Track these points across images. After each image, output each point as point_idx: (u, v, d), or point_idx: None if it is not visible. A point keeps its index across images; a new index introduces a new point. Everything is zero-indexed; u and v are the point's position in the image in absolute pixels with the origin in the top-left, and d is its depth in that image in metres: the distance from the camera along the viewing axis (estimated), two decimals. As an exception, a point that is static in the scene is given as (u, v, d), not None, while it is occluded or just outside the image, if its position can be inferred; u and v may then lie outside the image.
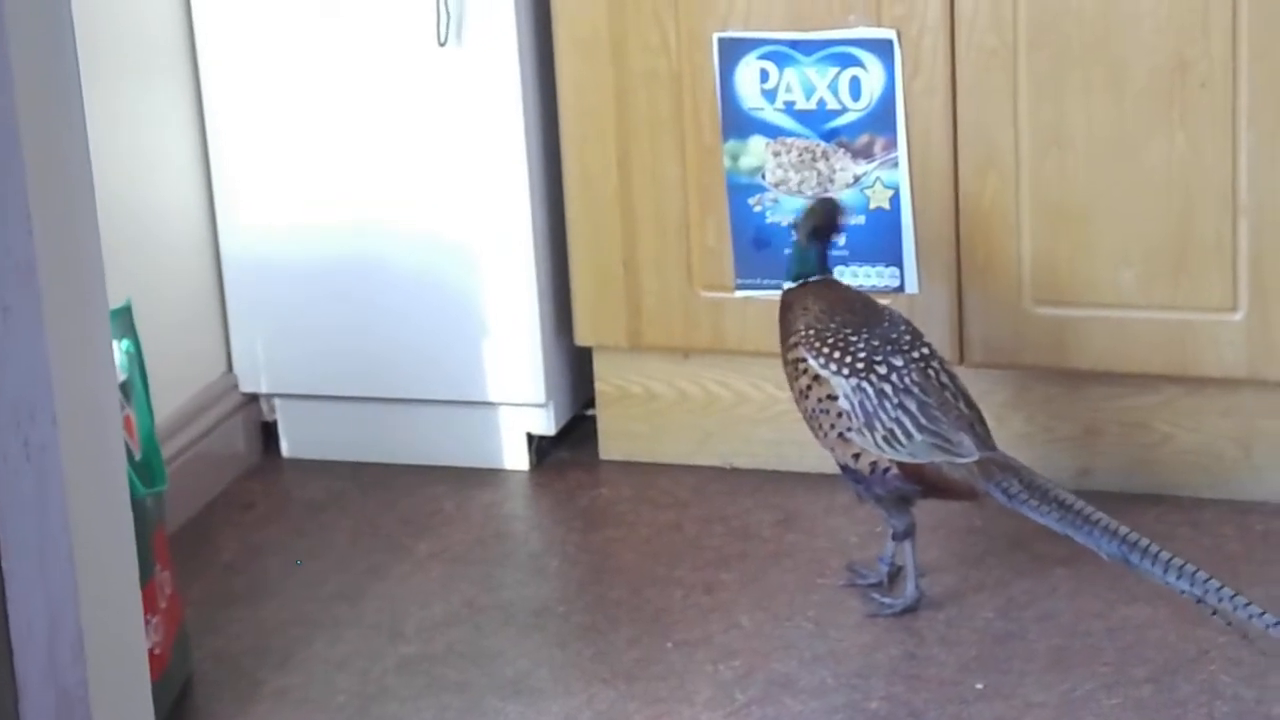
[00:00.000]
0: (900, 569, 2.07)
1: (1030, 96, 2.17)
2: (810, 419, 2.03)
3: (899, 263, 2.25)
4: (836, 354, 1.99)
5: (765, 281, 2.26)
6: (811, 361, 2.00)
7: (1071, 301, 2.22)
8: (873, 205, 2.24)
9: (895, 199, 2.23)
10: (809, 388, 2.01)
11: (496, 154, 2.34)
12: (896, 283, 2.25)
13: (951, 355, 2.22)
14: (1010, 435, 2.23)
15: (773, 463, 2.37)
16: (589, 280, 2.37)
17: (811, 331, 2.01)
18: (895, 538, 2.05)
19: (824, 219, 2.08)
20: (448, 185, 2.36)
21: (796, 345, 2.02)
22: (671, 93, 2.28)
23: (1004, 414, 2.26)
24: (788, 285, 2.07)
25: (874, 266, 2.26)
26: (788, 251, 2.12)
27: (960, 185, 2.22)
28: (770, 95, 2.23)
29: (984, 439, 1.99)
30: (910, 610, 2.04)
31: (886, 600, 2.06)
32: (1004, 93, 2.18)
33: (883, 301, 2.14)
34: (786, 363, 2.05)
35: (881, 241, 2.25)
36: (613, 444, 2.45)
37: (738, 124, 2.26)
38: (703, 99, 2.27)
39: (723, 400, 2.39)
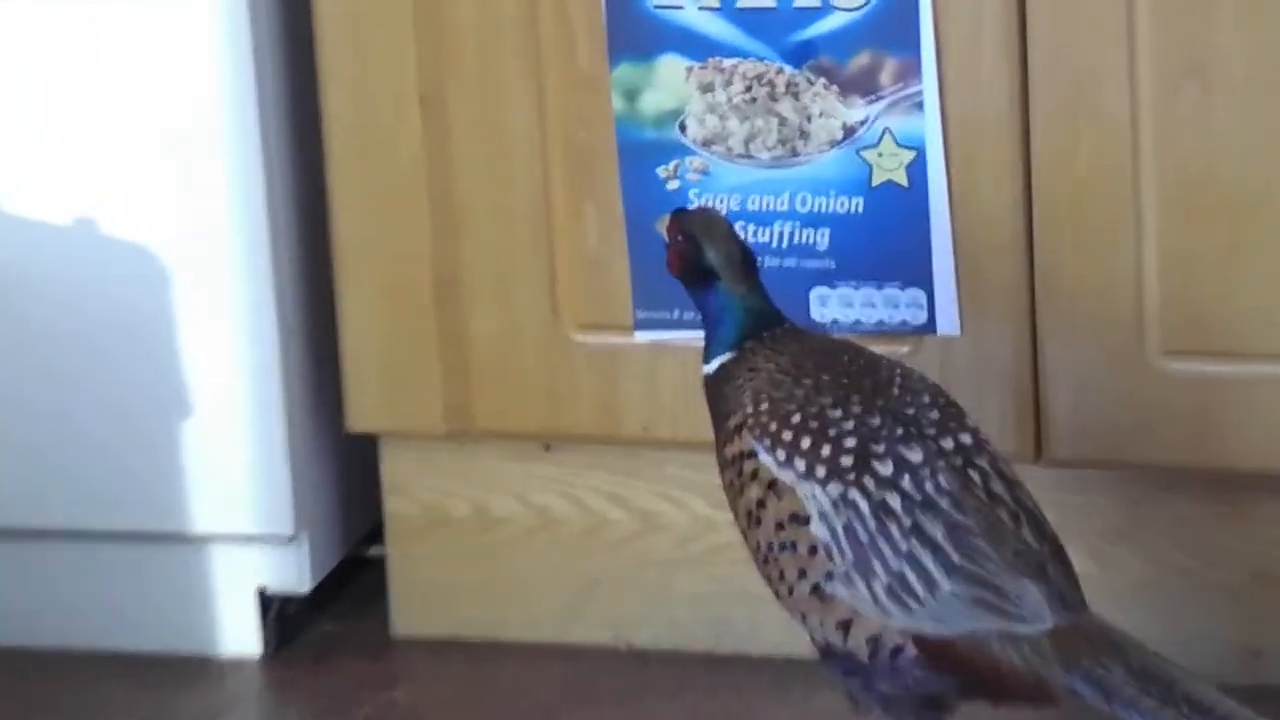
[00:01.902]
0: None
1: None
2: (764, 560, 1.81)
3: (925, 283, 2.03)
4: (806, 441, 1.78)
5: (684, 316, 2.05)
6: (764, 456, 1.78)
7: (1228, 352, 1.99)
8: (878, 179, 2.01)
9: (919, 168, 2.02)
10: (761, 504, 1.79)
11: (202, 91, 2.12)
12: (921, 317, 2.01)
13: (1018, 446, 1.99)
14: (1120, 585, 2.03)
15: (703, 639, 2.16)
16: (371, 318, 2.15)
17: (765, 404, 1.80)
18: None
19: (733, 237, 1.90)
20: (114, 155, 2.14)
21: (741, 430, 1.80)
22: None
23: (1108, 549, 2.05)
24: (723, 359, 1.89)
25: (881, 289, 2.00)
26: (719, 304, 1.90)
27: (1033, 147, 1.98)
28: None
29: (1065, 594, 1.76)
30: None
31: None
32: None
33: (896, 351, 1.91)
34: (726, 464, 1.83)
35: (894, 245, 2.03)
36: (416, 609, 2.23)
37: (636, 33, 2.04)
38: None
39: (615, 527, 2.19)
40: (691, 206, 2.00)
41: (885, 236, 2.02)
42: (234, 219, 2.16)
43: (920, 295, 1.99)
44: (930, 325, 1.99)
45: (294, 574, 2.22)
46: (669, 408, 2.09)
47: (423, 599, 2.23)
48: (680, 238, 1.89)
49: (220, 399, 2.18)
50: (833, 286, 1.99)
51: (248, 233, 2.16)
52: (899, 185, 2.00)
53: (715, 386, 1.86)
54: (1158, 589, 2.08)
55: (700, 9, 1.97)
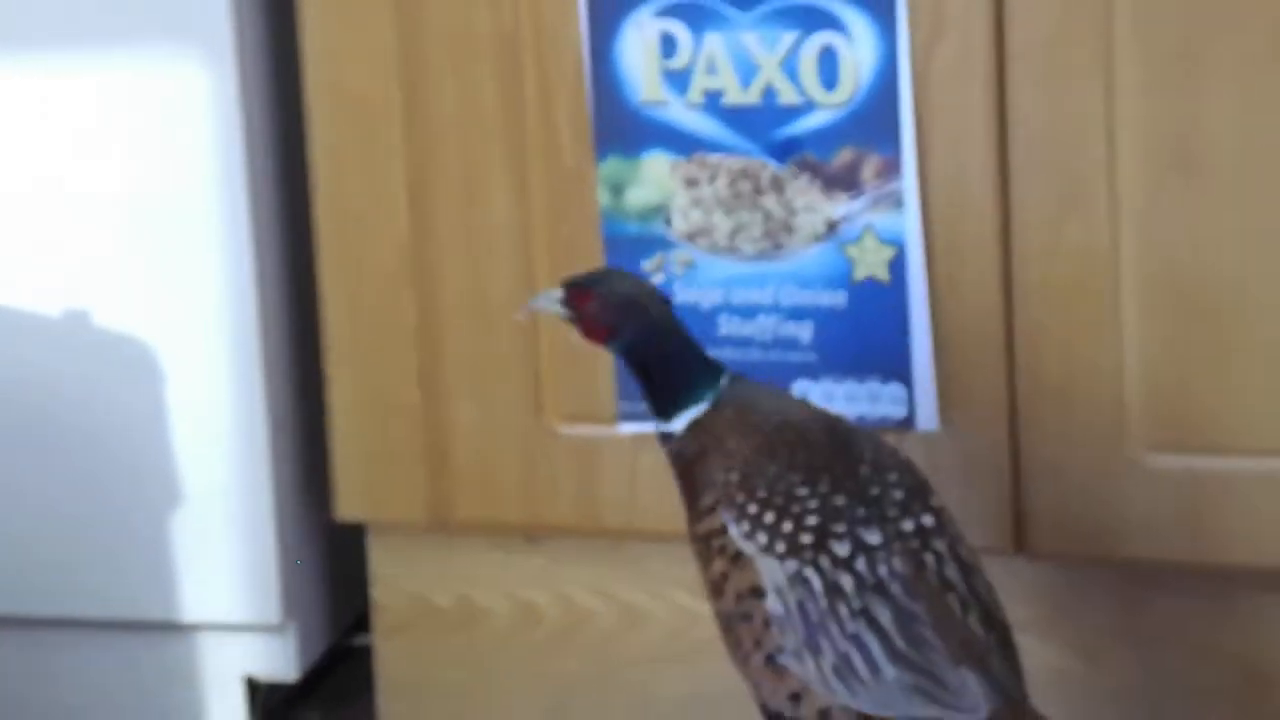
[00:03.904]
0: None
1: (1137, 84, 1.94)
2: (724, 629, 1.85)
3: (905, 378, 2.02)
4: (770, 516, 1.83)
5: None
6: (731, 529, 1.82)
7: (1214, 447, 1.99)
8: (860, 275, 2.01)
9: (900, 264, 2.01)
10: (725, 576, 1.83)
11: (192, 184, 2.15)
12: (901, 412, 2.01)
13: (999, 538, 2.01)
14: (1109, 684, 2.02)
15: None
16: (358, 410, 2.17)
17: (736, 477, 1.84)
18: None
19: (646, 287, 1.91)
20: (105, 240, 2.17)
21: (715, 506, 1.84)
22: (505, 74, 2.07)
23: (1096, 647, 2.04)
24: (678, 424, 1.89)
25: (862, 383, 2.01)
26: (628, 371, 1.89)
27: (1014, 243, 1.99)
28: (680, 80, 2.03)
29: (1005, 684, 1.79)
30: None
31: None
32: (1091, 77, 1.95)
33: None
34: (696, 538, 1.86)
35: (875, 339, 2.03)
36: (401, 700, 2.22)
37: (622, 129, 2.06)
38: (560, 86, 2.06)
39: (599, 621, 2.18)
40: (586, 275, 1.96)
41: (866, 331, 2.02)
42: (225, 314, 2.21)
43: (900, 390, 2.01)
44: (910, 420, 1.99)
45: (281, 662, 2.24)
46: (651, 500, 2.10)
47: (409, 692, 2.25)
48: (595, 303, 1.90)
49: (209, 489, 2.21)
50: (815, 380, 2.01)
51: (238, 327, 2.21)
52: (880, 281, 2.00)
53: (684, 446, 1.88)
54: (1147, 690, 2.07)
55: (686, 106, 2.00)
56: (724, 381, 1.86)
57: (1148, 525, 2.00)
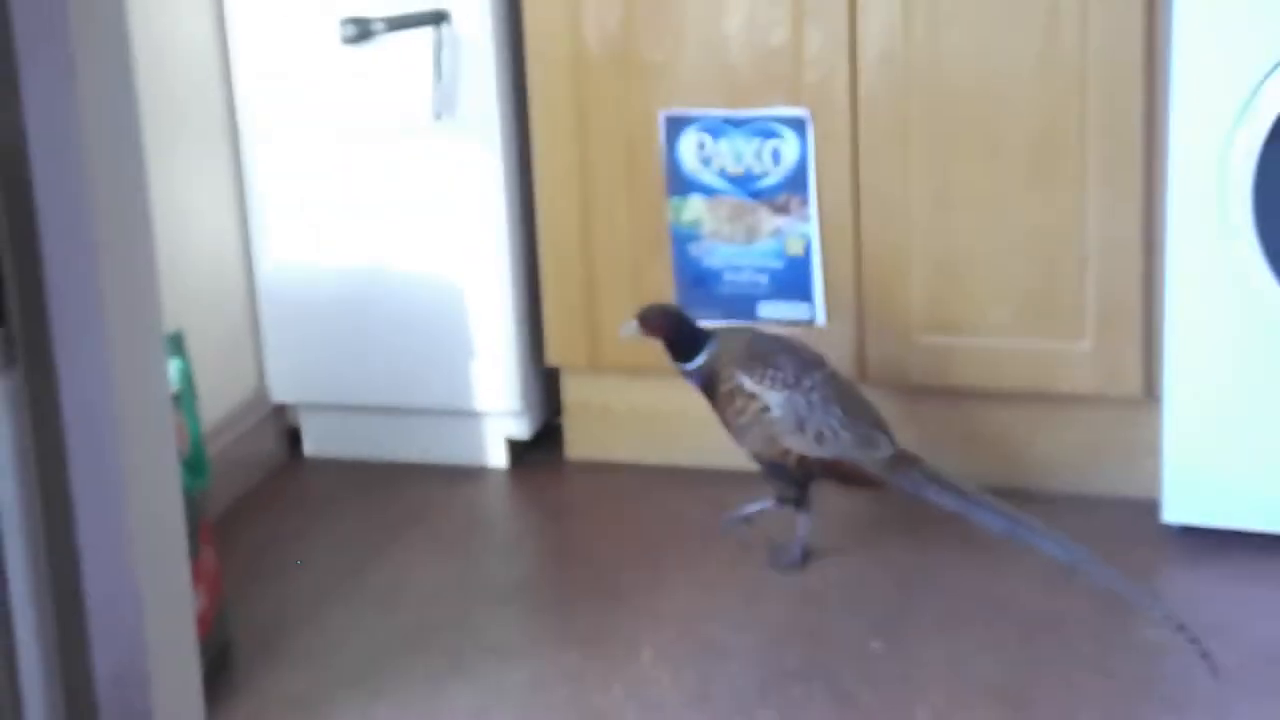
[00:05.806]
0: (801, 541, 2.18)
1: (921, 164, 2.24)
2: (742, 431, 2.09)
3: (810, 299, 2.30)
4: (769, 373, 2.07)
5: (702, 312, 2.31)
6: (748, 382, 2.06)
7: (954, 331, 2.27)
8: (790, 252, 2.31)
9: (808, 247, 2.29)
10: (745, 406, 2.06)
11: (482, 208, 2.40)
12: (809, 316, 2.33)
13: (854, 375, 2.31)
14: (902, 442, 2.22)
15: (709, 461, 2.39)
16: (557, 311, 2.43)
17: (744, 358, 2.09)
18: (799, 508, 2.09)
19: (667, 309, 2.08)
20: (442, 233, 2.41)
21: (735, 373, 2.08)
22: (625, 158, 2.34)
23: (897, 424, 2.29)
24: (702, 359, 2.06)
25: (790, 303, 2.33)
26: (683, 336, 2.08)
27: (862, 236, 2.28)
28: (707, 161, 2.29)
29: (892, 439, 2.09)
30: (796, 566, 2.13)
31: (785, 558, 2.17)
32: (898, 161, 2.24)
33: (796, 332, 2.20)
34: (721, 395, 2.10)
35: (797, 282, 2.31)
36: (577, 447, 2.51)
37: (680, 184, 2.32)
38: (651, 164, 2.33)
39: (667, 411, 2.45)
40: (644, 308, 2.10)
41: (793, 279, 2.28)
42: (495, 262, 2.37)
43: (809, 306, 2.29)
44: (813, 320, 2.30)
45: (521, 429, 2.48)
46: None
47: (580, 443, 2.48)
48: (650, 323, 2.09)
49: (490, 350, 2.39)
50: (769, 301, 2.30)
51: (501, 269, 2.38)
52: (800, 255, 2.28)
53: (703, 369, 2.08)
54: (920, 443, 2.23)
55: (711, 173, 2.27)
56: (716, 338, 2.10)
57: (922, 369, 2.32)
